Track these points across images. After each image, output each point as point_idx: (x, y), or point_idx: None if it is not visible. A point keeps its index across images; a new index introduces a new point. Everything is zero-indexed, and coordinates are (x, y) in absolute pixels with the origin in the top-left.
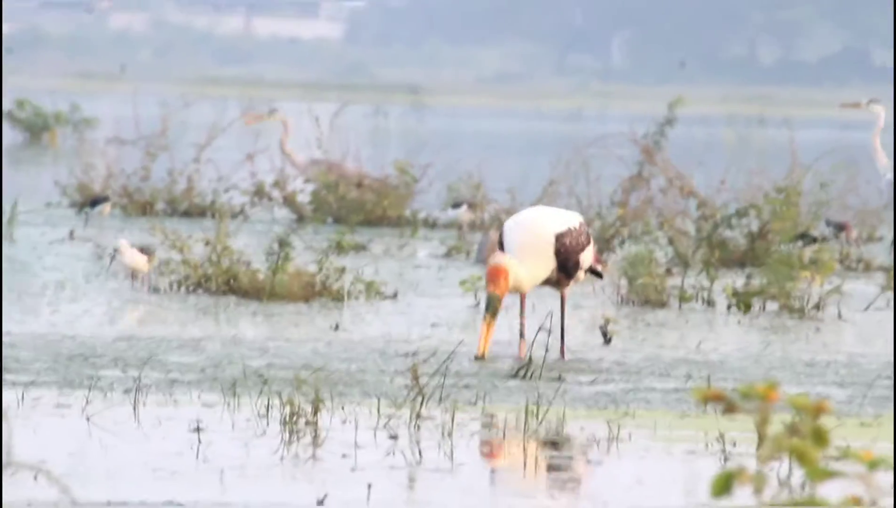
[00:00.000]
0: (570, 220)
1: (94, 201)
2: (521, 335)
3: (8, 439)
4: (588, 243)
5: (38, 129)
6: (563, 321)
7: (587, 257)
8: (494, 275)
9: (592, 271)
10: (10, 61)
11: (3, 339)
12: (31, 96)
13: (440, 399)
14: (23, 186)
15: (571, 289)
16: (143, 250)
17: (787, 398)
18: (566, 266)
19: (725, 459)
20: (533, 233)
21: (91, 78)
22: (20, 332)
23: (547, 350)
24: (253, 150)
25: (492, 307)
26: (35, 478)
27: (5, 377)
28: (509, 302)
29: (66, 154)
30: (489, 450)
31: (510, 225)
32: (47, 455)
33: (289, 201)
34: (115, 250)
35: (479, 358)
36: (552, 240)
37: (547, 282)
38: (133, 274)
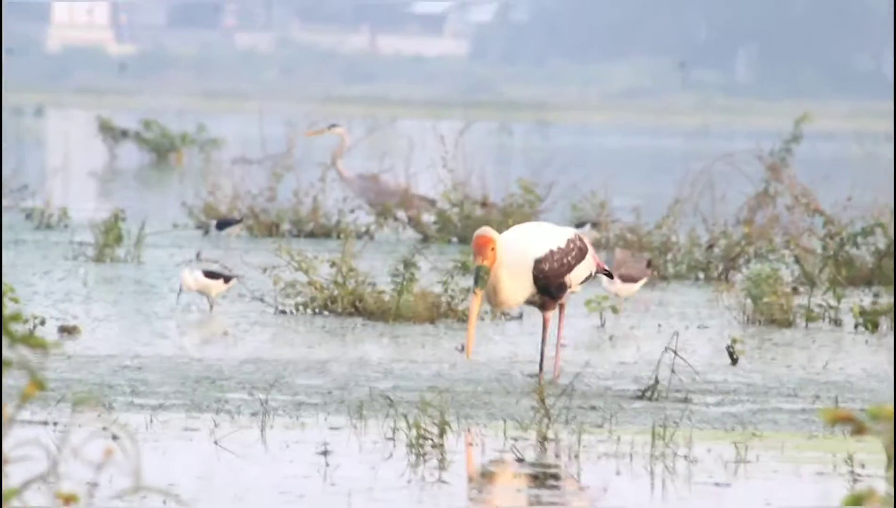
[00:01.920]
0: (555, 240)
1: (223, 223)
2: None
3: (137, 462)
4: (580, 259)
5: (164, 149)
6: (544, 341)
7: (580, 273)
8: (481, 246)
9: (604, 272)
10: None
11: (133, 363)
12: (157, 117)
13: (566, 421)
14: (150, 207)
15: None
16: (211, 274)
17: None
18: (548, 290)
19: (854, 481)
20: (515, 252)
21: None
22: (149, 355)
23: (673, 371)
24: (378, 170)
25: (481, 280)
26: (164, 502)
27: (135, 400)
28: (634, 321)
29: (193, 175)
30: (616, 472)
31: (502, 239)
32: (176, 479)
33: (414, 221)
34: (180, 285)
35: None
36: (530, 264)
37: (532, 303)
38: (206, 298)
